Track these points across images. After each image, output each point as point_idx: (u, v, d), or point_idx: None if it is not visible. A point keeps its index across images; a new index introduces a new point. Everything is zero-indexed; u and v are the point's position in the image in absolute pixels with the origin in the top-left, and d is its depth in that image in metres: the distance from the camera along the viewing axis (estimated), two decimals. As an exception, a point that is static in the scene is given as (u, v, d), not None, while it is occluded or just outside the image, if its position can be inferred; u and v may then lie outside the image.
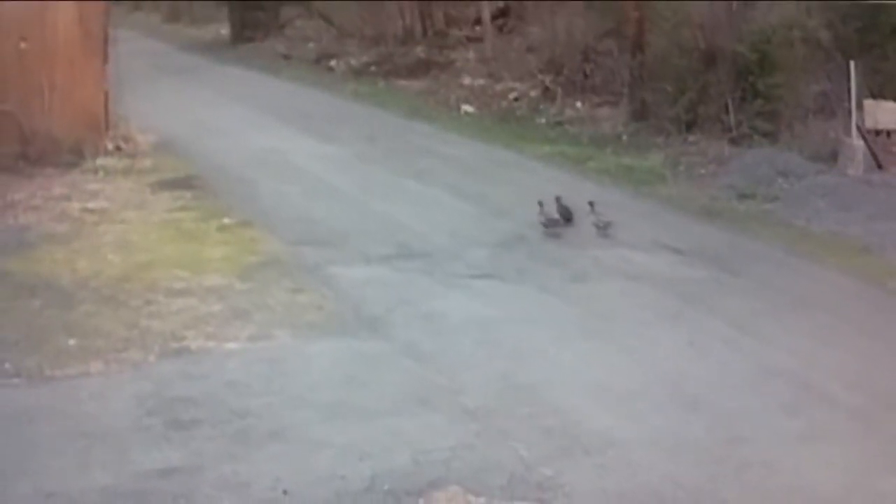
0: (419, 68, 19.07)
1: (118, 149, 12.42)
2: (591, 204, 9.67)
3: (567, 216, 9.69)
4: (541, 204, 9.76)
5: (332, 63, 20.75)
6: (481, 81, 17.48)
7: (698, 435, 5.81)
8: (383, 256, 8.99)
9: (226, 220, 9.93)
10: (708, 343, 7.10)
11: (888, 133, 12.14)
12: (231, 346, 6.96)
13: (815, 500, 5.18)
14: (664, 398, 6.26)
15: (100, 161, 11.89)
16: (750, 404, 6.20)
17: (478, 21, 20.02)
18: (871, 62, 12.79)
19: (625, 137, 13.69)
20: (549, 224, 9.69)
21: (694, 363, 6.81)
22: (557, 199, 9.74)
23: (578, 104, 15.44)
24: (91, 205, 10.44)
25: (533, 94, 16.29)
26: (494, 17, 19.39)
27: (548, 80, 16.14)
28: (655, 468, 5.41)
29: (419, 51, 19.96)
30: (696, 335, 7.21)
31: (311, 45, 22.64)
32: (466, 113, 16.12)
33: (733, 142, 12.68)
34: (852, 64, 11.86)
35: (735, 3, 13.69)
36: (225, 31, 25.06)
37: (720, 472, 5.42)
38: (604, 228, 9.50)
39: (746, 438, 5.78)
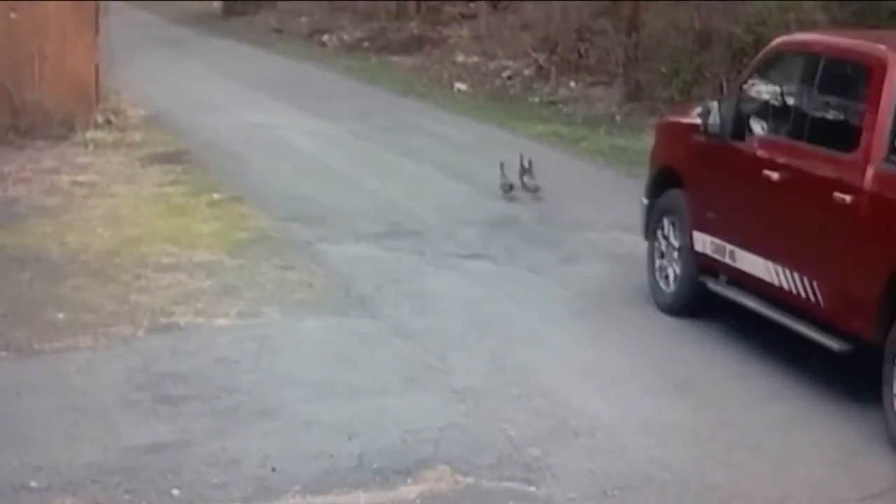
0: (412, 44, 18.99)
1: (108, 122, 12.35)
2: (529, 164, 10.01)
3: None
4: (502, 166, 9.93)
5: (325, 38, 20.65)
6: (475, 59, 17.41)
7: (687, 418, 5.83)
8: (374, 234, 8.97)
9: (216, 196, 9.89)
10: (695, 327, 7.11)
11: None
12: (220, 322, 6.94)
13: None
14: (653, 381, 6.27)
15: (90, 134, 11.82)
16: (733, 391, 6.23)
17: (472, -2, 19.94)
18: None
19: (618, 118, 13.67)
20: (504, 188, 9.91)
21: (683, 347, 6.82)
22: (528, 163, 10.02)
23: (572, 83, 15.40)
24: (81, 178, 10.39)
25: (527, 72, 16.24)
26: (489, -6, 19.32)
27: (542, 58, 16.08)
28: (643, 450, 5.42)
29: (412, 27, 19.86)
30: (684, 319, 7.22)
31: (303, 19, 22.54)
32: (459, 91, 16.06)
33: (727, 124, 12.65)
34: (847, 47, 11.83)
35: (731, -16, 13.66)
36: (217, 4, 24.94)
37: (708, 454, 5.44)
38: (534, 191, 9.93)
39: (734, 422, 5.80)
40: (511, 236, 9.03)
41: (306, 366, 6.36)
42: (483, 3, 19.07)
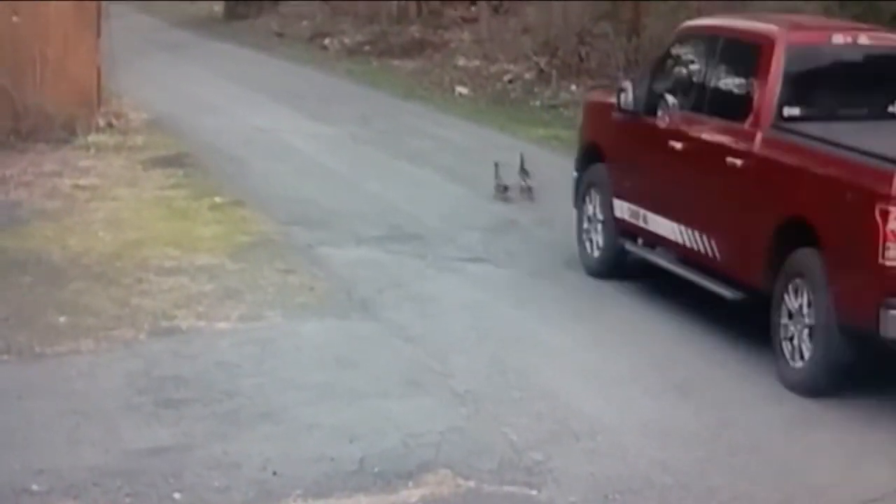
0: (413, 48, 19.00)
1: (110, 125, 12.36)
2: (523, 169, 10.08)
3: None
4: (497, 166, 9.94)
5: (326, 41, 20.67)
6: (476, 63, 17.41)
7: (688, 419, 5.83)
8: (375, 238, 8.98)
9: (217, 199, 9.90)
10: (696, 328, 7.12)
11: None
12: (222, 325, 6.95)
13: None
14: (654, 382, 6.28)
15: (92, 137, 11.84)
16: (734, 392, 6.23)
17: (473, 1, 19.94)
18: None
19: (619, 121, 13.64)
20: (499, 189, 10.01)
21: (683, 348, 6.82)
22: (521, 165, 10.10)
23: (573, 87, 15.40)
24: (83, 181, 10.40)
25: (528, 76, 16.24)
26: (490, -2, 19.33)
27: (543, 62, 16.09)
28: (644, 453, 5.42)
29: (413, 30, 19.87)
30: (685, 320, 7.22)
31: (304, 22, 22.55)
32: (460, 94, 16.07)
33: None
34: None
35: (732, -13, 13.67)
36: (218, 7, 24.97)
37: (709, 456, 5.44)
38: (527, 192, 10.02)
39: (735, 423, 5.80)
40: (512, 239, 9.04)
41: (307, 369, 6.36)
42: (484, 6, 19.09)
